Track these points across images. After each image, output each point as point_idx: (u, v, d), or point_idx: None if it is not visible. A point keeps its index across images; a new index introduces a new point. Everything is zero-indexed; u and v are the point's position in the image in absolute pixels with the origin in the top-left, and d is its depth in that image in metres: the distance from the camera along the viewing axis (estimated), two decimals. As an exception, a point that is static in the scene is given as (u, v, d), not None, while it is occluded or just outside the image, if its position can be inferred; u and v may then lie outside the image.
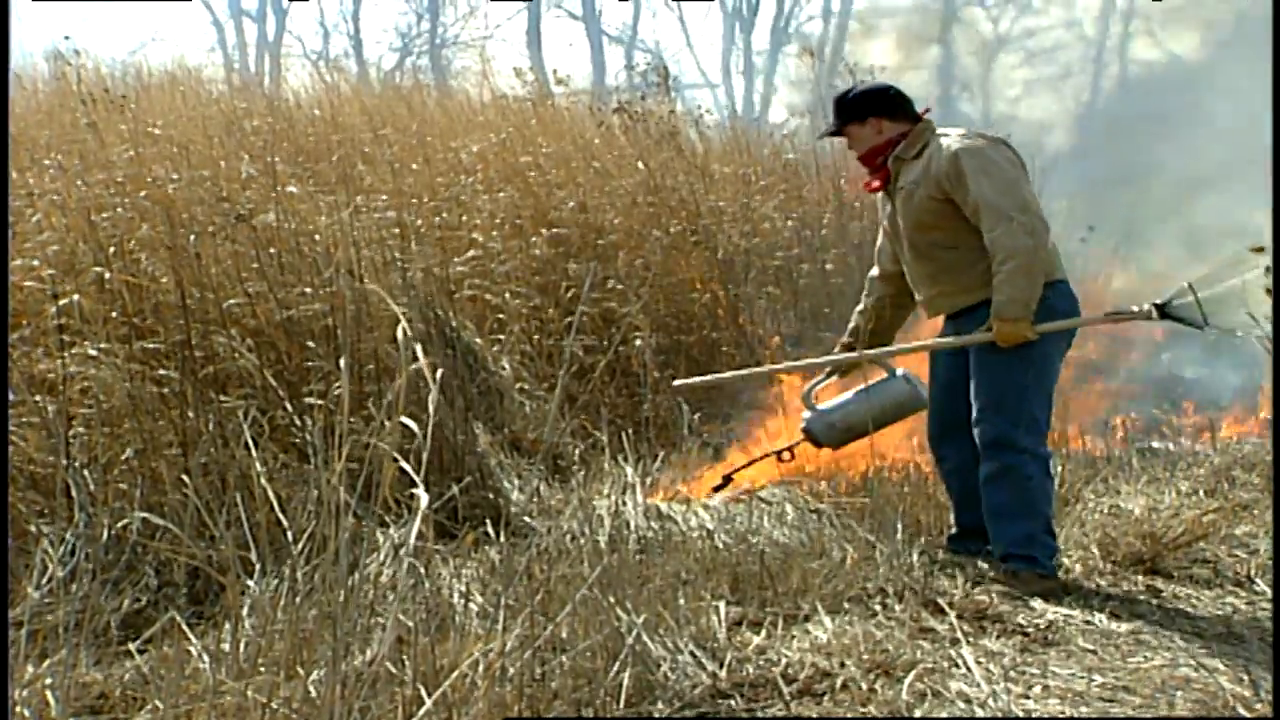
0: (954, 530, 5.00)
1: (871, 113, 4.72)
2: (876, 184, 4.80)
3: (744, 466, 5.43)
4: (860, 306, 5.11)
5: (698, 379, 5.60)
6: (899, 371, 5.09)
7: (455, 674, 3.10)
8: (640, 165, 8.85)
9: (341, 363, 3.12)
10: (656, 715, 3.38)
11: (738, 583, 4.38)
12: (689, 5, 34.31)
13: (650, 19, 48.37)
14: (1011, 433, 4.51)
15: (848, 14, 32.72)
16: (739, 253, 8.74)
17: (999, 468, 4.54)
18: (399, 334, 3.00)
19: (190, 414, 5.11)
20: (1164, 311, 4.58)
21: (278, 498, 3.74)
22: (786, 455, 5.43)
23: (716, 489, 5.33)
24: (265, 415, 5.25)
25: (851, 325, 5.12)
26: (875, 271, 5.08)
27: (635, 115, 9.83)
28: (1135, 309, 4.67)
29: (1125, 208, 12.79)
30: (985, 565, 4.69)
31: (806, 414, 5.25)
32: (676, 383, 5.41)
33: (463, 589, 4.04)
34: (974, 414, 4.59)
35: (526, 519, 5.35)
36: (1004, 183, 4.45)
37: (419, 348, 3.01)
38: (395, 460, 3.06)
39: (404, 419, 2.93)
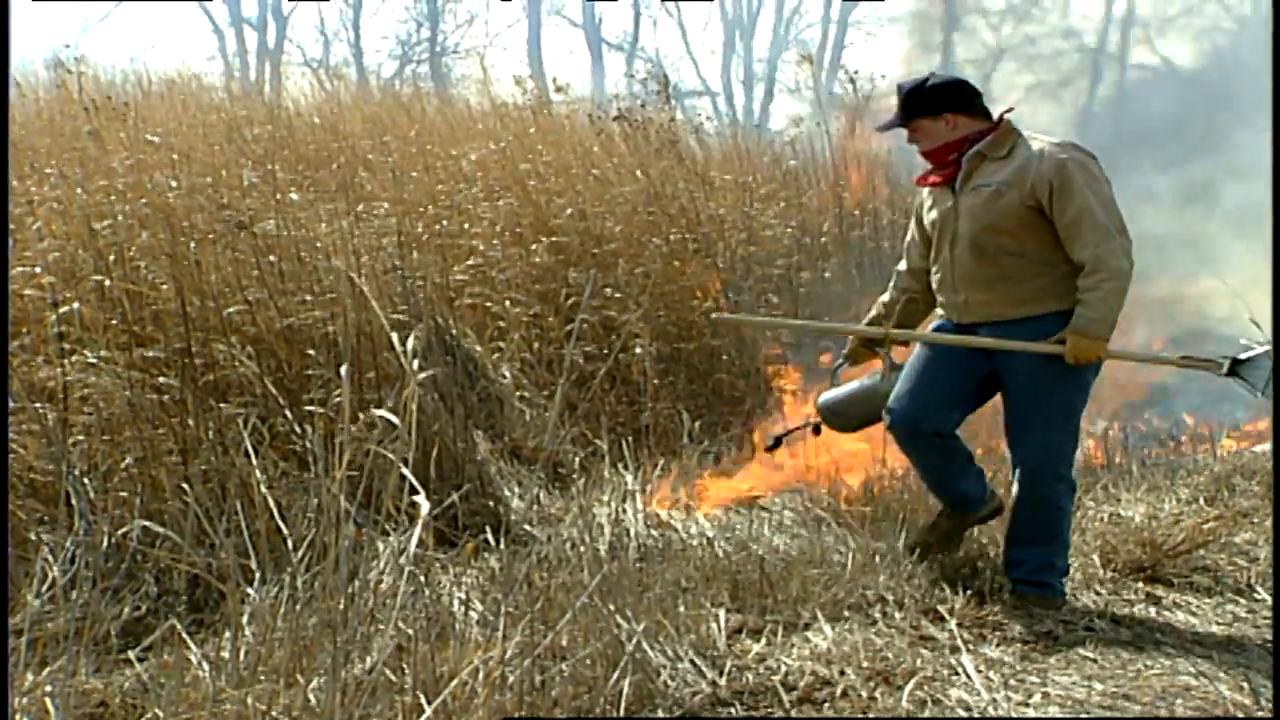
0: (944, 511, 4.84)
1: (947, 107, 4.52)
2: (936, 179, 4.59)
3: (793, 431, 5.36)
4: (885, 297, 4.93)
5: (742, 316, 6.25)
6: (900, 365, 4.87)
7: (455, 682, 3.10)
8: (640, 173, 8.85)
9: (343, 371, 3.13)
10: (649, 715, 3.38)
11: (738, 590, 4.38)
12: (689, 13, 34.40)
13: (650, 27, 48.42)
14: (1056, 462, 4.45)
15: (847, 22, 32.80)
16: (739, 261, 8.74)
17: (1037, 497, 4.46)
18: (408, 345, 3.00)
19: (190, 422, 5.11)
20: (1234, 369, 4.41)
21: (278, 505, 3.75)
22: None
23: (770, 449, 5.40)
24: (265, 423, 5.25)
25: (873, 314, 4.96)
26: (903, 266, 4.89)
27: (635, 123, 9.84)
28: (1208, 359, 4.49)
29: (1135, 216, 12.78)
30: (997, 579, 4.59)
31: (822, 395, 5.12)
32: (717, 315, 5.89)
33: (463, 597, 4.04)
34: (1016, 434, 4.48)
35: (527, 527, 5.35)
36: (1109, 200, 4.35)
37: (409, 346, 3.01)
38: (397, 468, 3.07)
39: (382, 413, 2.93)
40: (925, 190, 4.70)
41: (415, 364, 3.15)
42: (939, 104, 4.52)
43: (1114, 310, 4.27)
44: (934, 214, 4.62)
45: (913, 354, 4.75)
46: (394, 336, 3.05)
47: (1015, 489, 4.50)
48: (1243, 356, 4.40)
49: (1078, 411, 4.46)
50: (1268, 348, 4.33)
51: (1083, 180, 4.30)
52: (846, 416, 4.98)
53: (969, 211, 4.45)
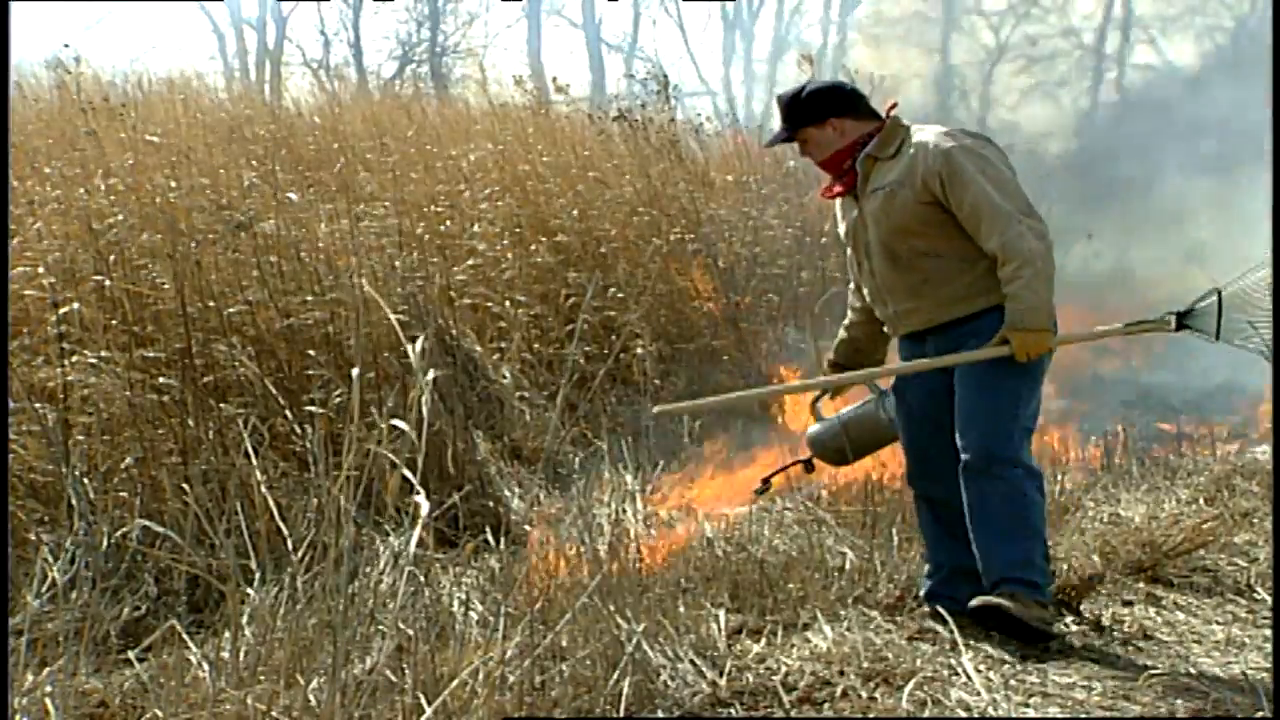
0: (932, 572, 4.37)
1: (831, 113, 4.21)
2: (839, 189, 4.29)
3: (781, 470, 4.93)
4: (846, 320, 4.58)
5: (683, 405, 5.02)
6: (886, 390, 4.52)
7: (455, 682, 3.10)
8: (641, 173, 8.86)
9: (354, 373, 3.13)
10: (649, 714, 3.38)
11: (737, 591, 4.38)
12: (688, 13, 34.38)
13: (650, 27, 48.43)
14: (1007, 445, 4.06)
15: (847, 22, 32.79)
16: (739, 261, 8.75)
17: (994, 484, 4.04)
18: (416, 347, 3.01)
19: (190, 422, 5.11)
20: (1182, 322, 4.20)
21: (278, 506, 3.75)
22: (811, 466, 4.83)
23: (759, 492, 4.89)
24: (265, 423, 5.25)
25: (838, 340, 4.60)
26: (852, 285, 4.55)
27: (635, 123, 9.84)
28: (1154, 319, 4.26)
29: (1124, 214, 12.79)
30: (974, 603, 4.03)
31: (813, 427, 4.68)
32: (657, 409, 4.54)
33: (463, 597, 4.04)
34: (961, 427, 4.11)
35: (527, 527, 5.36)
36: (1005, 183, 4.05)
37: (417, 348, 3.02)
38: (397, 467, 3.07)
39: (398, 423, 2.93)
40: (837, 202, 4.42)
41: (421, 366, 3.16)
42: (820, 110, 4.23)
43: (1044, 295, 3.96)
44: (845, 225, 4.37)
45: (898, 396, 4.41)
46: (407, 341, 3.04)
47: (968, 485, 4.09)
48: (1186, 309, 4.19)
49: (1025, 400, 4.09)
50: (1212, 297, 4.11)
51: (973, 167, 4.02)
52: (842, 449, 4.56)
53: (873, 218, 4.18)
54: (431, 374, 3.01)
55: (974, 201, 4.00)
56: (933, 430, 4.24)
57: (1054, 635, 4.02)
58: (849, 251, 4.39)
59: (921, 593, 4.36)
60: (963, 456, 4.09)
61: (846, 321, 4.57)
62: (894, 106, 4.29)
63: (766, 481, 4.80)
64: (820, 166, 4.32)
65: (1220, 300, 4.11)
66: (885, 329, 4.39)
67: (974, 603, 3.99)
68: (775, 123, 4.40)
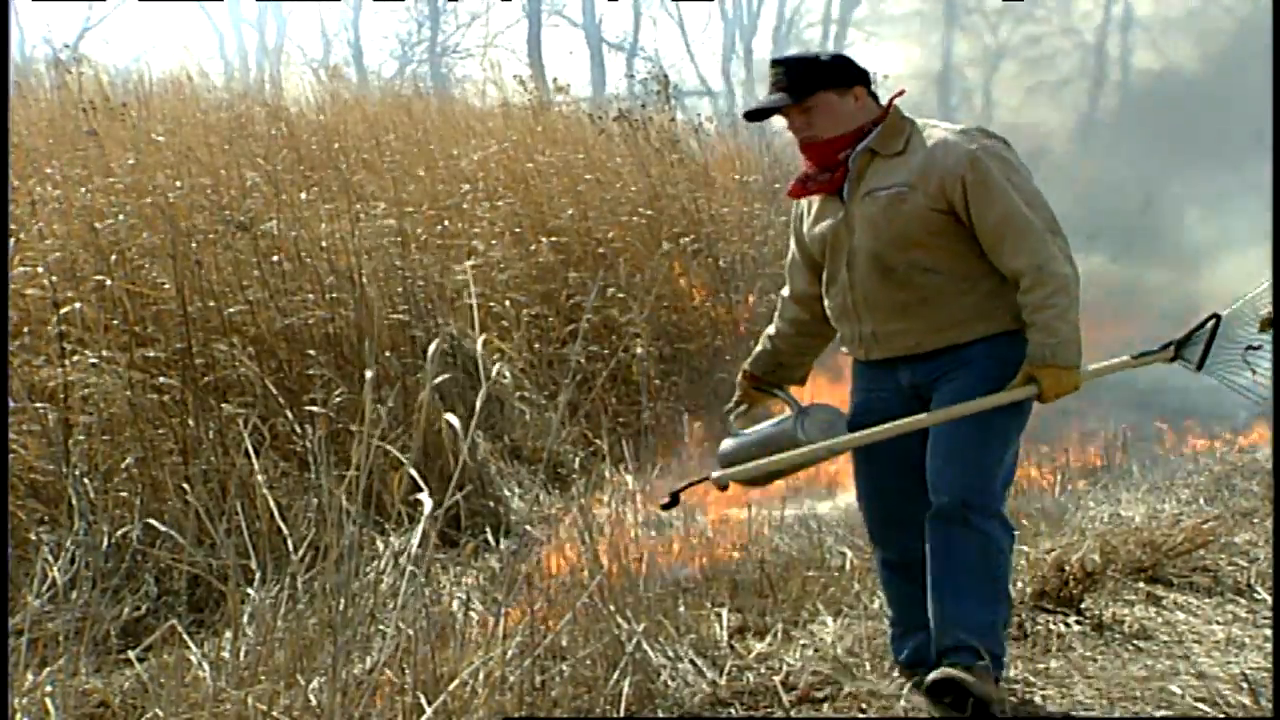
0: (905, 633, 3.74)
1: (858, 80, 3.58)
2: (819, 187, 3.63)
3: (690, 485, 4.03)
4: (771, 329, 3.93)
5: (744, 468, 3.87)
6: (810, 406, 3.80)
7: (455, 682, 3.10)
8: (641, 173, 8.86)
9: (367, 374, 3.14)
10: (650, 714, 3.39)
11: (738, 590, 4.38)
12: (689, 13, 34.40)
13: (650, 27, 48.44)
14: (986, 493, 3.49)
15: (848, 21, 32.81)
16: (741, 261, 8.75)
17: (968, 534, 3.45)
18: (430, 350, 3.01)
19: (191, 422, 5.12)
20: (1179, 352, 3.75)
21: (278, 505, 3.75)
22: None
23: (665, 506, 3.96)
24: (266, 423, 5.25)
25: (759, 350, 3.94)
26: (787, 291, 3.89)
27: (635, 123, 9.85)
28: (1157, 350, 3.78)
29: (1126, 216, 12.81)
30: (933, 676, 3.42)
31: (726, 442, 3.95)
32: (716, 475, 3.73)
33: (463, 597, 4.04)
34: (936, 465, 3.52)
35: (527, 527, 5.36)
36: (1032, 195, 3.50)
37: (430, 351, 3.02)
38: (401, 467, 3.07)
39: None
40: (804, 199, 3.76)
41: (433, 369, 3.18)
42: (849, 74, 3.58)
43: (1077, 328, 3.43)
44: (820, 229, 3.66)
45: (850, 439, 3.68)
46: (409, 341, 3.04)
47: (935, 532, 3.50)
48: (1183, 336, 3.74)
49: (1012, 442, 3.58)
50: (1209, 324, 3.68)
51: (1000, 173, 3.45)
52: (748, 481, 3.83)
53: (867, 222, 3.53)
54: (440, 376, 3.01)
55: (1003, 214, 3.43)
56: (899, 470, 3.62)
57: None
58: (799, 256, 3.80)
59: (900, 658, 3.75)
60: (935, 499, 3.49)
61: (772, 330, 3.93)
62: (900, 94, 3.66)
63: (675, 496, 3.86)
64: (811, 152, 3.61)
65: (1216, 327, 3.65)
66: (843, 348, 3.78)
67: (933, 676, 3.39)
68: (775, 121, 3.79)
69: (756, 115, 3.73)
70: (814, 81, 3.54)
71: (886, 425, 3.52)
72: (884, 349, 3.61)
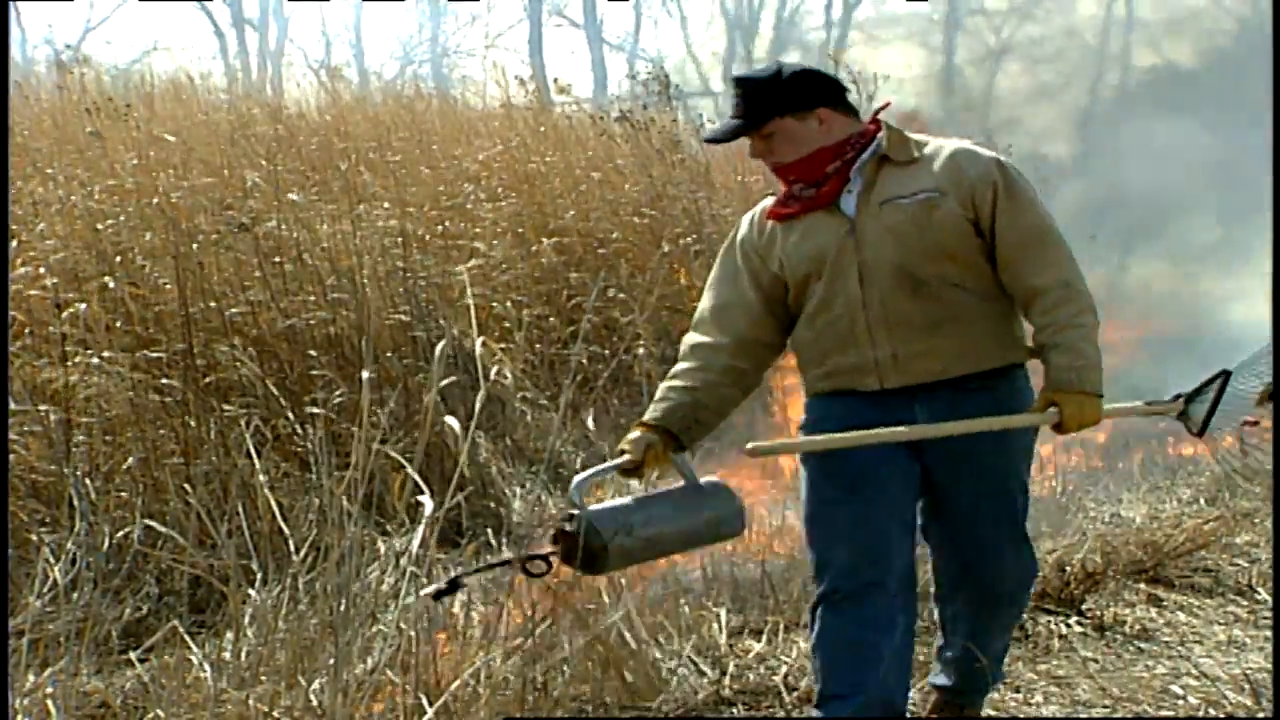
0: (847, 693, 3.08)
1: (819, 101, 3.21)
2: (808, 204, 3.23)
3: (477, 571, 3.55)
4: (695, 380, 3.26)
5: (780, 443, 3.79)
6: (708, 482, 3.28)
7: (457, 683, 3.10)
8: (643, 174, 8.87)
9: (365, 376, 3.14)
10: (650, 714, 3.39)
11: (739, 591, 4.39)
12: (691, 14, 34.43)
13: (652, 27, 48.45)
14: (1034, 566, 3.35)
15: (849, 23, 32.83)
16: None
17: (1012, 612, 3.41)
18: (436, 351, 3.01)
19: (192, 423, 5.12)
20: (1186, 407, 3.45)
21: (279, 506, 3.76)
22: (540, 565, 3.05)
23: (438, 595, 3.03)
24: (267, 424, 5.26)
25: (671, 403, 3.24)
26: (710, 338, 3.29)
27: (637, 124, 9.85)
28: (1167, 401, 3.48)
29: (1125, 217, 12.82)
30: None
31: (586, 508, 3.08)
32: (751, 446, 3.10)
33: (464, 598, 4.05)
34: (987, 551, 3.22)
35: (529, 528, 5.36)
36: (1049, 213, 3.22)
37: (437, 352, 3.03)
38: (403, 469, 3.08)
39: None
40: (770, 224, 3.31)
41: (439, 371, 3.19)
42: (809, 96, 3.21)
43: (1100, 353, 3.12)
44: (813, 248, 3.22)
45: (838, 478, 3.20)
46: (408, 342, 3.05)
47: (985, 606, 3.29)
48: (1193, 390, 3.44)
49: (1029, 489, 3.32)
50: (1217, 382, 3.38)
51: (1023, 184, 3.18)
52: (601, 550, 3.01)
53: (887, 234, 3.15)
54: (446, 380, 3.01)
55: (1033, 224, 3.14)
56: (884, 512, 3.16)
57: None
58: (750, 293, 3.30)
59: None
60: (993, 584, 3.25)
61: (692, 381, 3.26)
62: (885, 107, 3.37)
63: (454, 582, 3.01)
64: (784, 171, 3.24)
65: (1224, 386, 3.37)
66: (831, 383, 3.26)
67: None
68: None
69: (716, 140, 3.36)
70: (769, 107, 3.20)
71: (892, 430, 3.09)
72: (903, 374, 3.16)
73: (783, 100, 3.19)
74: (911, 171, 3.18)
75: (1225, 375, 3.35)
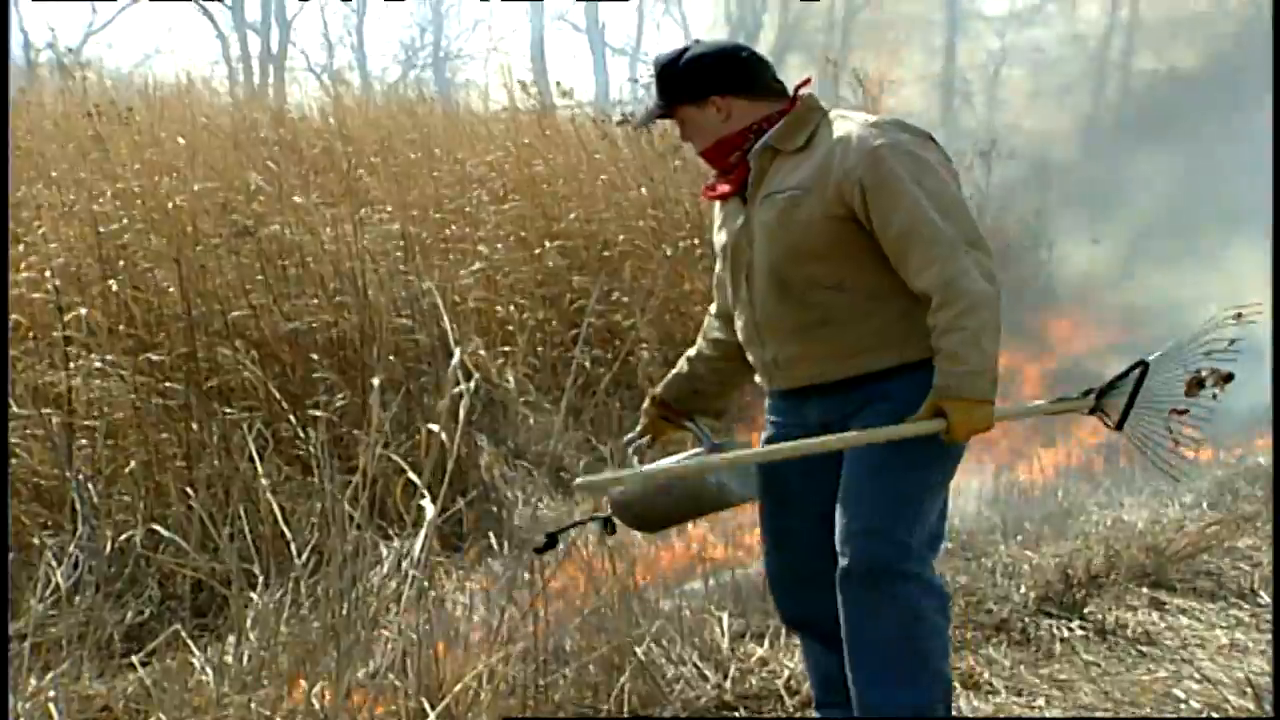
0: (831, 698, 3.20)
1: (713, 89, 3.08)
2: (725, 188, 3.16)
3: (570, 527, 3.68)
4: (693, 351, 3.42)
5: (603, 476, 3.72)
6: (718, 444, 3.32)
7: (459, 686, 3.10)
8: (645, 177, 8.87)
9: (374, 382, 3.15)
10: (653, 718, 3.39)
11: (740, 595, 4.39)
12: (693, 17, 34.45)
13: (654, 31, 48.48)
14: (903, 552, 2.93)
15: (850, 26, 32.83)
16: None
17: (881, 603, 2.92)
18: (453, 359, 3.00)
19: (195, 426, 5.12)
20: (1099, 402, 3.18)
21: (281, 510, 3.76)
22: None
23: (540, 550, 3.43)
24: (269, 427, 5.26)
25: (674, 372, 3.44)
26: (713, 312, 3.41)
27: (639, 128, 9.84)
28: (1075, 397, 3.22)
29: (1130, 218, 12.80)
30: None
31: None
32: (579, 481, 3.10)
33: (466, 601, 4.05)
34: (844, 520, 2.97)
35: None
36: (948, 199, 2.95)
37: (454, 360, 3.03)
38: (405, 473, 3.09)
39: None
40: (716, 205, 3.28)
41: (451, 378, 3.19)
42: (701, 84, 3.09)
43: (992, 356, 2.89)
44: (720, 238, 3.22)
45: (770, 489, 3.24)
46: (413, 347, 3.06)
47: (846, 600, 2.96)
48: (1105, 385, 3.19)
49: (936, 493, 3.04)
50: (1134, 373, 3.13)
51: (909, 174, 2.92)
52: (650, 513, 3.28)
53: (764, 230, 3.05)
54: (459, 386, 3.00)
55: (907, 221, 2.91)
56: (809, 517, 3.07)
57: None
58: (720, 268, 3.27)
59: None
60: (841, 560, 2.95)
61: (693, 353, 3.42)
62: (806, 83, 3.18)
63: (552, 538, 3.36)
64: (701, 157, 3.22)
65: (1142, 377, 3.11)
66: (756, 377, 3.26)
67: None
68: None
69: (641, 122, 3.40)
70: (670, 94, 3.14)
71: (783, 445, 3.03)
72: (786, 378, 3.11)
73: (680, 89, 3.12)
74: (797, 162, 3.04)
75: (1144, 366, 3.12)
